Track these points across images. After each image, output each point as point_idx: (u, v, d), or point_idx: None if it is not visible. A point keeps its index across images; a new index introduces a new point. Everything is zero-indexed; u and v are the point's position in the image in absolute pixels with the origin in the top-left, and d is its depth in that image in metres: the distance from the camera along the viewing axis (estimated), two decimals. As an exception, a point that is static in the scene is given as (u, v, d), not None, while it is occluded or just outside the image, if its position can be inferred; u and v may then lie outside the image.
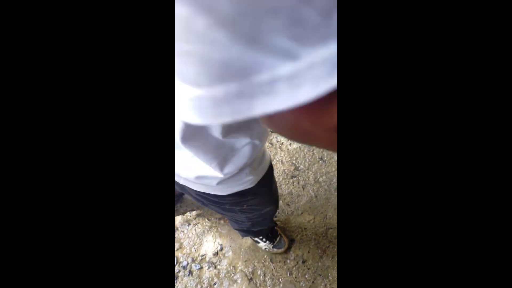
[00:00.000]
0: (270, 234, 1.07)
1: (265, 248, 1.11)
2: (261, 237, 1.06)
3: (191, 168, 0.45)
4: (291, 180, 1.28)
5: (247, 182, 0.49)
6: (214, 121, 0.16)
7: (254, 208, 0.62)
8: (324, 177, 1.28)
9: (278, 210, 1.10)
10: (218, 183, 0.46)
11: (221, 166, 0.43)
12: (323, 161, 1.32)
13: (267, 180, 0.56)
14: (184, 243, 1.19)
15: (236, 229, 0.97)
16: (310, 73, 0.13)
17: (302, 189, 1.26)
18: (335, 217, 1.21)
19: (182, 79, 0.16)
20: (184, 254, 1.16)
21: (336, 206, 1.20)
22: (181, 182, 0.50)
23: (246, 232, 0.96)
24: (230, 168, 0.44)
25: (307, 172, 1.30)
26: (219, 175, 0.44)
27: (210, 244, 1.17)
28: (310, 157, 1.33)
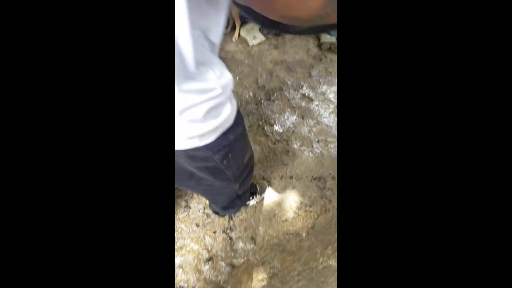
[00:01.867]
0: (252, 189, 1.13)
1: (257, 202, 1.19)
2: (249, 199, 1.11)
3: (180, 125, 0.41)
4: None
5: (227, 118, 0.46)
6: None
7: (237, 156, 0.60)
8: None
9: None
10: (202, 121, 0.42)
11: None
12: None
13: (241, 117, 0.54)
14: None
15: (222, 209, 0.98)
16: None
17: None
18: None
19: None
20: None
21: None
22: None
23: (235, 201, 0.92)
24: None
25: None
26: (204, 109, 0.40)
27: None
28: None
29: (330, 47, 2.02)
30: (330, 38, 2.02)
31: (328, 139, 1.48)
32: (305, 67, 1.84)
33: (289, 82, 1.74)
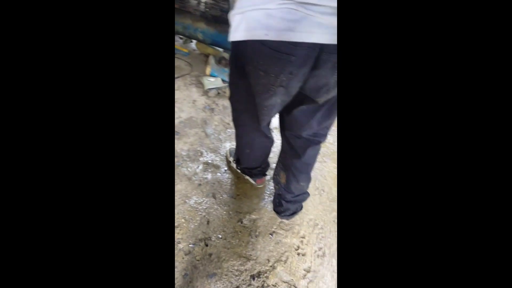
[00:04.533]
0: None
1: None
2: None
3: None
4: None
5: None
6: None
7: None
8: None
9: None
10: None
11: None
12: None
13: None
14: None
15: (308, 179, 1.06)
16: None
17: None
18: None
19: None
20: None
21: None
22: None
23: None
24: None
25: None
26: None
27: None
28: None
29: (218, 93, 1.76)
30: (214, 82, 1.76)
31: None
32: (197, 126, 1.49)
33: (183, 153, 1.35)
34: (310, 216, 1.21)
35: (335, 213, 1.26)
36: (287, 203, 1.07)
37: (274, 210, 1.15)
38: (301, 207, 1.14)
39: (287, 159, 0.98)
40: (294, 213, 1.11)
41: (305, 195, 1.09)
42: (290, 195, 1.04)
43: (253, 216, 1.15)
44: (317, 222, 1.20)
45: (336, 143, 1.62)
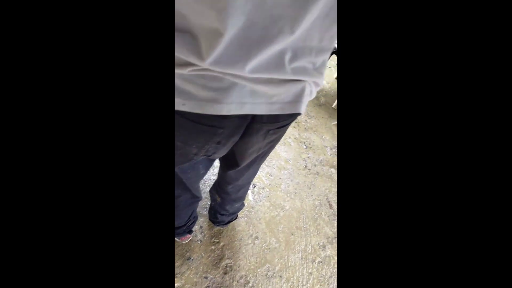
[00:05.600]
0: None
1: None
2: None
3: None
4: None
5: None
6: None
7: None
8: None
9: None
10: None
11: None
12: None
13: None
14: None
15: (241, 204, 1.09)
16: None
17: None
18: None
19: None
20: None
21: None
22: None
23: None
24: None
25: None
26: None
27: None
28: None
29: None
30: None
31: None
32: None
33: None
34: (242, 272, 1.10)
35: (268, 265, 1.18)
36: (222, 216, 1.08)
37: (210, 219, 1.15)
38: (236, 217, 1.18)
39: (221, 188, 0.93)
40: (229, 222, 1.15)
41: (240, 207, 1.10)
42: (224, 211, 1.04)
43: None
44: (248, 280, 1.09)
45: (272, 176, 1.57)
